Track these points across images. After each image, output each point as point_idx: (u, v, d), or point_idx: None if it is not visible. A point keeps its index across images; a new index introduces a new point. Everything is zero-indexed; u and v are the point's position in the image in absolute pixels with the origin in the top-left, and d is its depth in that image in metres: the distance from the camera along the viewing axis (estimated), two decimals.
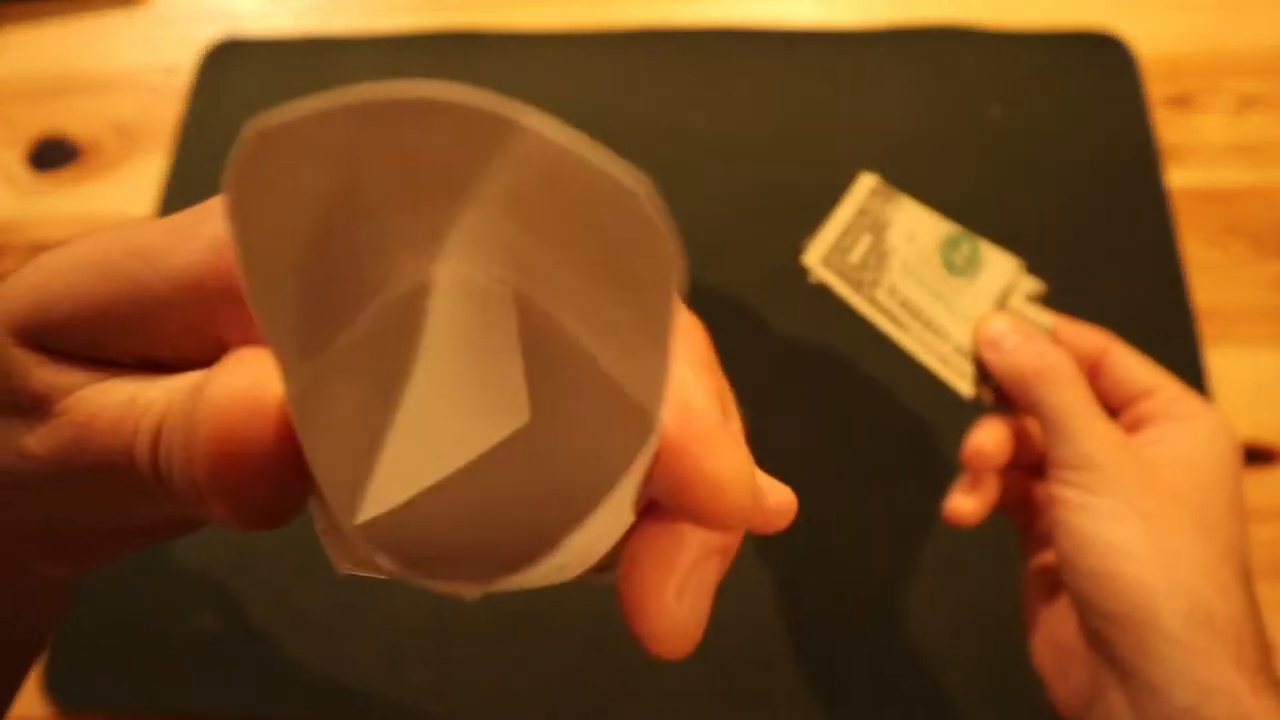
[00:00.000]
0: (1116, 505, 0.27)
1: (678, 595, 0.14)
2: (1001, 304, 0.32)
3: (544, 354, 0.14)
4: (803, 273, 0.31)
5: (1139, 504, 0.27)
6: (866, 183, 0.32)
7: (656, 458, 0.13)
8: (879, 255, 0.31)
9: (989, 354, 0.31)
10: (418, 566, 0.12)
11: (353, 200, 0.11)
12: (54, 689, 0.39)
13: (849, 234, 0.31)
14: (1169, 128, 0.49)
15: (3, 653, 0.21)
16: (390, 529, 0.14)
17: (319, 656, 0.39)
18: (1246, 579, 0.27)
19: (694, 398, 0.13)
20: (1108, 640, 0.26)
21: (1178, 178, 0.47)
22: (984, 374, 0.31)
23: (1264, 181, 0.48)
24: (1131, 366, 0.31)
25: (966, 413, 0.34)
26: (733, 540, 0.15)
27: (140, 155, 0.51)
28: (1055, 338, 0.32)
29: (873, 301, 0.30)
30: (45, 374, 0.15)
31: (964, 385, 0.31)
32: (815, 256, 0.30)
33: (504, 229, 0.12)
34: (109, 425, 0.14)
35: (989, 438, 0.31)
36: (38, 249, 0.49)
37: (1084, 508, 0.27)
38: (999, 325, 0.31)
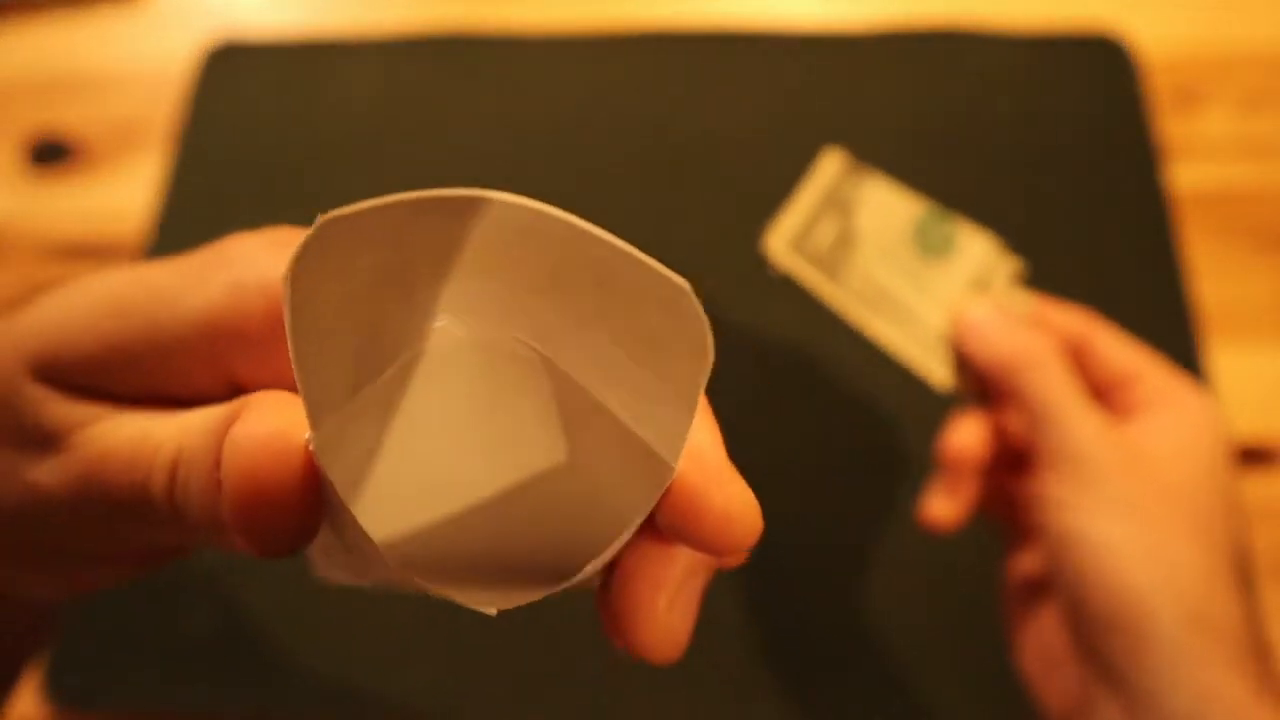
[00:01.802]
0: (1107, 501, 0.25)
1: (669, 608, 0.14)
2: (980, 286, 0.30)
3: (565, 407, 0.15)
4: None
5: (1131, 500, 0.25)
6: (832, 161, 0.29)
7: (665, 492, 0.14)
8: (848, 238, 0.29)
9: (968, 341, 0.29)
10: (438, 580, 0.13)
11: (391, 274, 0.13)
12: (54, 689, 0.39)
13: (815, 217, 0.28)
14: (1173, 126, 0.49)
15: None
16: (411, 551, 0.15)
17: (319, 656, 0.39)
18: (1245, 579, 0.26)
19: (701, 437, 0.14)
20: (1101, 646, 0.25)
21: (1182, 176, 0.47)
22: (962, 362, 0.30)
23: (1269, 180, 0.47)
24: (1117, 350, 0.29)
25: (937, 404, 0.33)
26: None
27: (138, 154, 0.51)
28: (1036, 321, 0.30)
29: (844, 288, 0.28)
30: (57, 408, 0.15)
31: (941, 374, 0.30)
32: (779, 242, 0.28)
33: (533, 304, 0.14)
34: (123, 461, 0.15)
35: (968, 435, 0.30)
36: (36, 248, 0.49)
37: (1072, 504, 0.26)
38: (978, 310, 0.29)
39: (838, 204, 0.29)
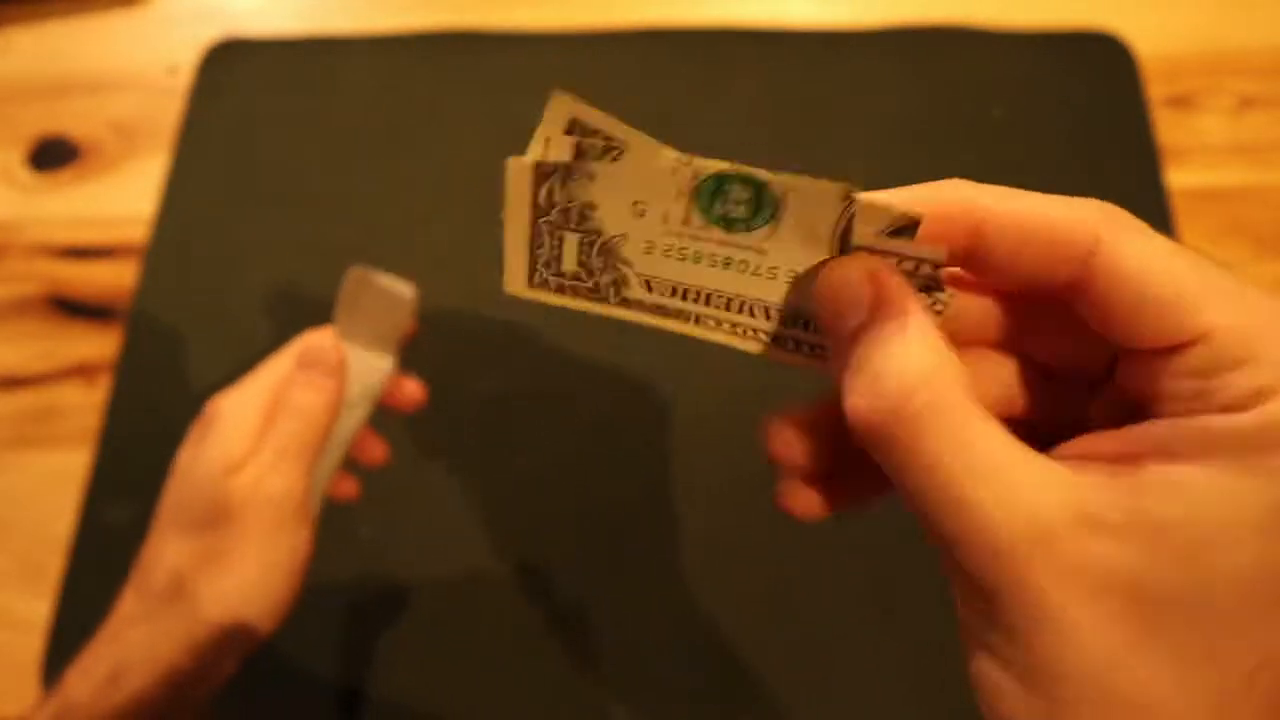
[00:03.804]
0: (1043, 705, 0.14)
1: None
2: (841, 245, 0.19)
3: None
4: None
5: (1102, 698, 0.14)
6: (520, 175, 0.21)
7: None
8: (603, 251, 0.21)
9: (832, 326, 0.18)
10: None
11: None
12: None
13: (542, 244, 0.21)
14: (1169, 128, 0.49)
15: None
16: None
17: (318, 657, 0.39)
18: None
19: None
20: None
21: (1178, 178, 0.47)
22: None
23: (1264, 181, 0.48)
24: (1162, 284, 0.15)
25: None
26: None
27: (140, 155, 0.51)
28: (967, 259, 0.17)
29: (629, 304, 0.21)
30: None
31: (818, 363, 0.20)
32: (516, 282, 0.21)
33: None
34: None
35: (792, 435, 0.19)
36: (38, 249, 0.49)
37: (999, 688, 0.15)
38: (837, 277, 0.18)
39: (565, 219, 0.21)
